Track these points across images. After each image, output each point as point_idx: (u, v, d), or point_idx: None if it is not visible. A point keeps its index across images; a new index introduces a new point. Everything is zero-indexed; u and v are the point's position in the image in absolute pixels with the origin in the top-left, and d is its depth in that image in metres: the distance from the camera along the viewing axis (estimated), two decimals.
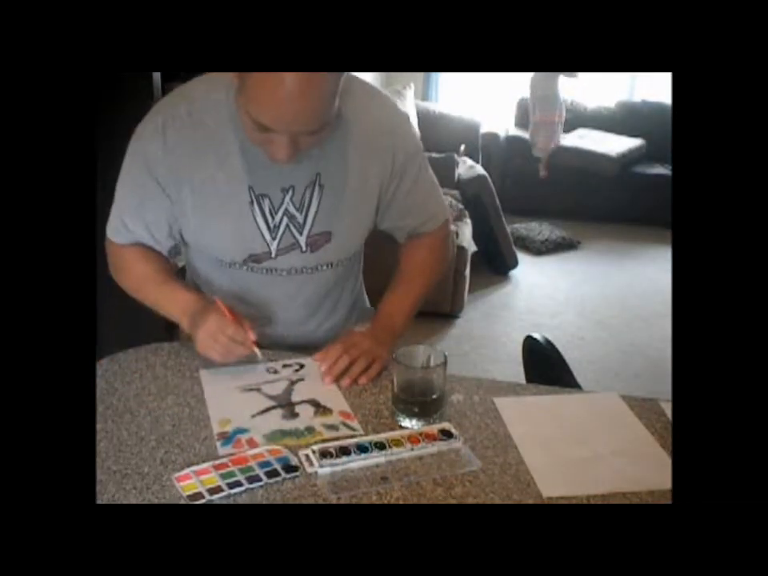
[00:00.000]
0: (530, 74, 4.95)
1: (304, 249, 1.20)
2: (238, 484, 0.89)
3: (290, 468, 0.92)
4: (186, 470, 0.91)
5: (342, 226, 1.20)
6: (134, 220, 1.19)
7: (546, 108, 4.94)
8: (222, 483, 0.89)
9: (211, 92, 1.10)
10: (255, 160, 1.10)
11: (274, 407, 1.07)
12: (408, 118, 1.27)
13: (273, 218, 1.16)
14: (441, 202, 1.34)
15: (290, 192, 1.15)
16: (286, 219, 1.17)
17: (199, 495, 0.87)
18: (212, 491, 0.88)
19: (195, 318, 1.13)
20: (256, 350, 1.11)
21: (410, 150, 1.22)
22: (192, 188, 1.13)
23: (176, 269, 1.31)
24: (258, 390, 1.12)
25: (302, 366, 1.19)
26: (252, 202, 1.14)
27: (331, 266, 1.25)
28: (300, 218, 1.17)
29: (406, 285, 1.31)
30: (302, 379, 1.15)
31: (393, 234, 1.33)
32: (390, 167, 1.19)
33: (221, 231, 1.17)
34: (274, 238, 1.18)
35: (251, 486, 0.89)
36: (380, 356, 1.16)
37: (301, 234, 1.18)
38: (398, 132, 1.21)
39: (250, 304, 1.25)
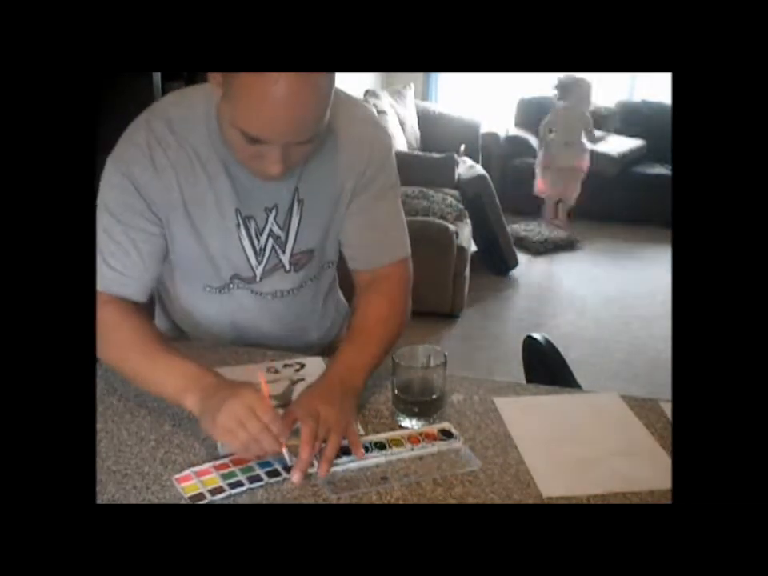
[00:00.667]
0: (557, 105, 4.56)
1: (288, 269, 1.17)
2: (240, 484, 0.89)
3: (290, 468, 0.92)
4: (187, 471, 0.91)
5: (323, 241, 1.18)
6: (120, 256, 1.06)
7: (575, 153, 4.57)
8: (223, 483, 0.89)
9: (188, 109, 1.05)
10: (240, 180, 1.07)
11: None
12: (388, 141, 1.19)
13: (258, 240, 1.13)
14: (405, 238, 1.20)
15: (274, 211, 1.11)
16: (271, 240, 1.14)
17: (201, 496, 0.87)
18: (213, 492, 0.88)
19: (211, 391, 0.93)
20: (285, 452, 0.91)
21: (380, 166, 1.15)
22: (184, 209, 1.08)
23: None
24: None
25: (302, 366, 1.19)
26: (239, 225, 1.11)
27: (314, 278, 1.23)
28: (282, 236, 1.14)
29: (365, 337, 1.11)
30: (302, 379, 1.15)
31: (348, 256, 1.21)
32: (360, 177, 1.13)
33: (210, 255, 1.13)
34: (259, 262, 1.15)
35: (252, 485, 0.89)
36: (341, 423, 0.96)
37: (284, 252, 1.16)
38: (375, 146, 1.14)
39: (236, 325, 1.24)
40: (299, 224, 1.14)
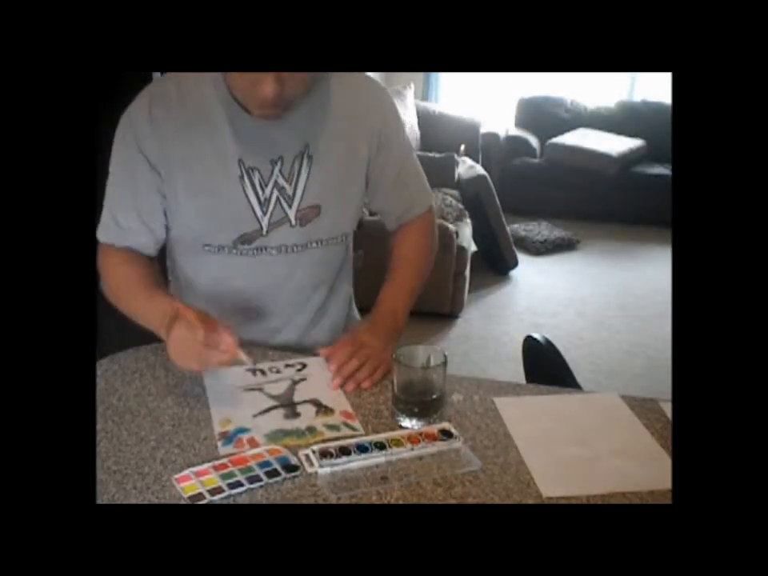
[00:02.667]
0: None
1: (293, 223, 1.18)
2: (239, 484, 0.89)
3: (289, 467, 0.92)
4: (186, 471, 0.91)
5: (331, 199, 1.19)
6: (126, 213, 1.15)
7: None
8: (222, 484, 0.89)
9: None
10: (244, 132, 1.10)
11: (275, 407, 1.07)
12: (393, 104, 1.28)
13: (263, 191, 1.15)
14: (427, 187, 1.35)
15: (279, 163, 1.14)
16: (276, 192, 1.15)
17: (200, 496, 0.87)
18: (213, 492, 0.88)
19: (169, 326, 1.03)
20: (240, 353, 0.99)
21: (394, 127, 1.25)
22: (182, 164, 1.12)
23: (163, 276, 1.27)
24: (260, 389, 1.11)
25: (304, 366, 1.19)
26: (242, 176, 1.13)
27: (321, 243, 1.22)
28: (289, 190, 1.16)
29: (402, 275, 1.31)
30: (304, 379, 1.15)
31: (383, 216, 1.34)
32: (376, 141, 1.20)
33: (210, 209, 1.14)
34: (264, 213, 1.16)
35: (252, 486, 0.89)
36: (385, 360, 1.14)
37: (290, 206, 1.17)
38: (385, 108, 1.24)
39: (239, 294, 1.24)
40: (307, 179, 1.16)
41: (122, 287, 1.16)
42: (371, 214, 1.41)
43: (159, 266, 1.24)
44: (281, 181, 1.15)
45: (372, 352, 1.15)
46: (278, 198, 1.16)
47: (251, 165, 1.13)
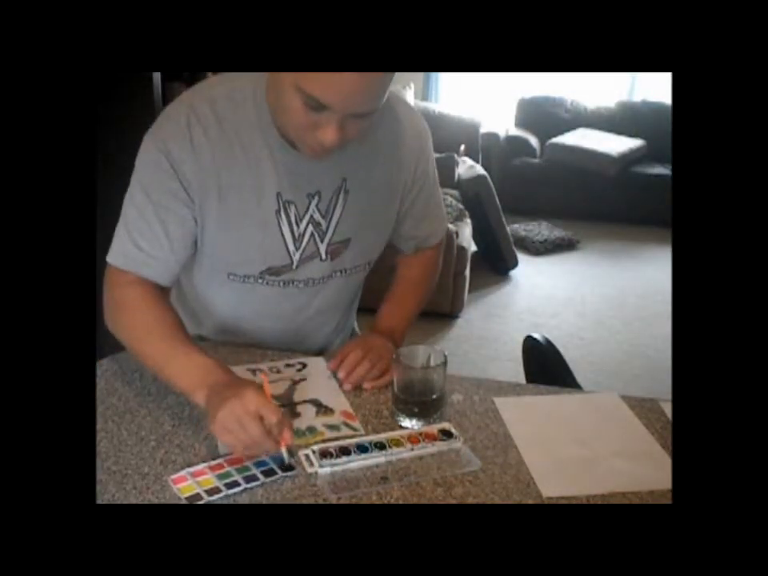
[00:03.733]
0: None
1: (324, 257, 1.14)
2: (236, 484, 0.89)
3: (286, 467, 0.92)
4: (182, 472, 0.91)
5: (362, 232, 1.16)
6: (153, 240, 1.04)
7: None
8: (219, 484, 0.89)
9: (234, 91, 1.03)
10: (283, 164, 1.05)
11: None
12: (430, 137, 1.22)
13: (298, 226, 1.10)
14: (444, 215, 1.35)
15: (317, 198, 1.09)
16: (311, 227, 1.11)
17: (197, 497, 0.87)
18: (210, 492, 0.88)
19: (217, 389, 0.92)
20: (285, 452, 0.91)
21: (429, 159, 1.21)
22: (218, 193, 1.04)
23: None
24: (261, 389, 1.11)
25: (304, 366, 1.19)
26: (279, 210, 1.07)
27: (344, 272, 1.19)
28: (324, 225, 1.12)
29: (405, 297, 1.31)
30: (304, 379, 1.15)
31: (399, 244, 1.31)
32: (412, 174, 1.17)
33: (242, 242, 1.09)
34: (297, 249, 1.11)
35: (249, 485, 0.89)
36: (384, 362, 1.14)
37: (322, 241, 1.13)
38: (425, 136, 1.20)
39: (256, 318, 1.22)
40: (342, 213, 1.12)
41: (145, 331, 1.03)
42: None
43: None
44: (317, 216, 1.10)
45: (382, 353, 1.14)
46: (312, 234, 1.11)
47: (288, 198, 1.07)
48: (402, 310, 1.29)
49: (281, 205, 1.07)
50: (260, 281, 1.14)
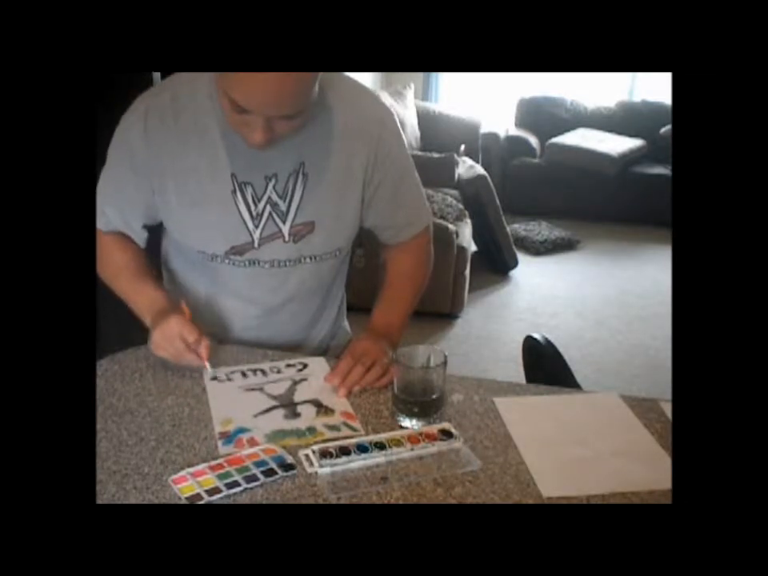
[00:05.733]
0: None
1: (287, 239, 1.18)
2: (236, 484, 0.89)
3: (286, 466, 0.93)
4: (182, 473, 0.91)
5: (325, 216, 1.19)
6: (111, 207, 1.20)
7: None
8: (219, 484, 0.89)
9: (193, 82, 1.10)
10: (238, 147, 1.10)
11: (276, 407, 1.07)
12: (395, 118, 1.25)
13: (255, 206, 1.15)
14: (426, 205, 1.33)
15: (273, 180, 1.14)
16: (269, 207, 1.16)
17: (198, 497, 0.87)
18: (210, 492, 0.88)
19: (157, 317, 1.13)
20: (207, 364, 1.12)
21: (395, 143, 1.21)
22: (174, 177, 1.13)
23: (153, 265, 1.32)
24: (261, 389, 1.12)
25: (305, 366, 1.19)
26: (234, 191, 1.13)
27: (314, 259, 1.22)
28: (283, 206, 1.16)
29: (396, 294, 1.31)
30: (304, 379, 1.15)
31: (377, 233, 1.32)
32: (373, 157, 1.18)
33: (203, 221, 1.16)
34: (256, 227, 1.17)
35: (249, 485, 0.89)
36: (388, 366, 1.13)
37: (284, 222, 1.17)
38: (386, 123, 1.20)
39: (233, 301, 1.25)
40: (302, 196, 1.16)
41: (116, 271, 1.24)
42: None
43: (147, 255, 1.29)
44: (274, 197, 1.15)
45: (377, 356, 1.14)
46: (270, 214, 1.16)
47: (244, 180, 1.14)
48: (397, 305, 1.30)
49: (236, 185, 1.14)
50: (226, 261, 1.20)
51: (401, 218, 1.29)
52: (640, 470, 0.95)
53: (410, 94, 5.06)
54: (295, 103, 0.97)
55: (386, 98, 4.65)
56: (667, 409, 1.09)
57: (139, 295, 1.21)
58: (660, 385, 2.83)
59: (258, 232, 1.17)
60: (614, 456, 0.98)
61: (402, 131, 1.25)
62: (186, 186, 1.13)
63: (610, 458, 0.98)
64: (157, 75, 2.32)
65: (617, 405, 1.12)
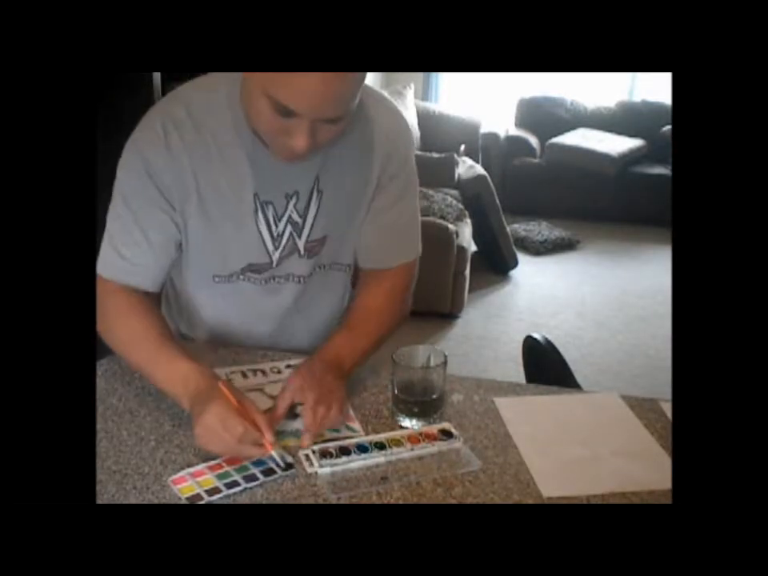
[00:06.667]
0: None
1: (302, 253, 1.16)
2: (236, 484, 0.89)
3: (285, 465, 0.92)
4: (181, 473, 0.91)
5: (336, 230, 1.16)
6: (135, 247, 1.06)
7: None
8: (219, 484, 0.89)
9: (209, 93, 1.04)
10: (260, 165, 1.05)
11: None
12: (412, 136, 1.20)
13: (276, 226, 1.11)
14: (417, 239, 1.22)
15: (295, 198, 1.10)
16: (289, 227, 1.12)
17: (198, 497, 0.87)
18: (210, 492, 0.88)
19: (196, 400, 0.95)
20: (274, 453, 0.92)
21: (403, 162, 1.16)
22: (198, 196, 1.05)
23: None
24: (261, 390, 1.11)
25: None
26: (256, 210, 1.08)
27: (324, 267, 1.20)
28: (300, 223, 1.12)
29: (359, 328, 1.15)
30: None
31: (358, 253, 1.21)
32: (383, 171, 1.13)
33: (222, 242, 1.10)
34: (276, 248, 1.13)
35: (249, 485, 0.90)
36: (339, 398, 1.01)
37: (300, 238, 1.14)
38: (400, 136, 1.15)
39: (245, 318, 1.23)
40: (317, 213, 1.12)
41: (128, 338, 1.07)
42: None
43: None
44: (294, 216, 1.11)
45: (324, 388, 1.00)
46: (291, 233, 1.12)
47: (266, 199, 1.08)
48: (357, 339, 1.13)
49: (258, 205, 1.08)
50: (242, 278, 1.15)
51: (387, 244, 1.20)
52: (640, 470, 0.95)
53: (410, 93, 5.06)
54: (342, 104, 0.92)
55: None
56: (667, 409, 1.09)
57: (166, 371, 1.01)
58: (660, 385, 2.83)
59: (277, 253, 1.13)
60: (614, 456, 0.98)
61: (413, 151, 1.19)
62: (206, 204, 1.06)
63: (610, 458, 0.98)
64: (157, 75, 2.32)
65: (617, 405, 1.12)
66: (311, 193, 1.11)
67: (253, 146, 1.03)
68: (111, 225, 1.08)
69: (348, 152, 1.10)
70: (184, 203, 1.06)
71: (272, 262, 1.14)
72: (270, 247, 1.13)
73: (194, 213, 1.07)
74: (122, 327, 1.07)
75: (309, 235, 1.14)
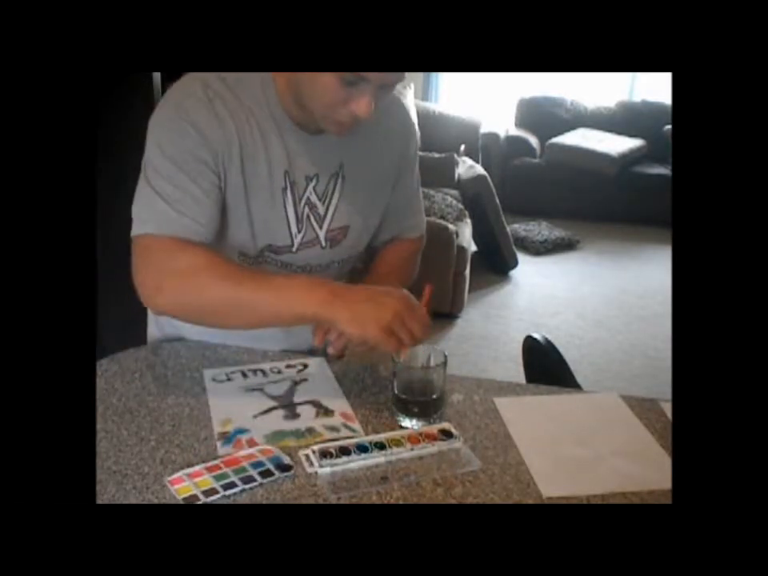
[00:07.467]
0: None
1: (324, 245, 1.17)
2: (233, 485, 0.89)
3: (283, 467, 0.92)
4: (179, 473, 0.91)
5: (359, 220, 1.18)
6: (188, 202, 1.01)
7: None
8: (216, 485, 0.89)
9: (238, 72, 1.05)
10: (290, 143, 1.08)
11: (275, 408, 1.07)
12: (416, 131, 1.30)
13: (299, 206, 1.12)
14: (423, 212, 1.35)
15: (315, 180, 1.12)
16: (307, 209, 1.13)
17: (194, 497, 0.87)
18: (207, 493, 0.88)
19: (340, 292, 0.95)
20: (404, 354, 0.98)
21: (413, 150, 1.26)
22: (241, 163, 1.05)
23: None
24: (261, 389, 1.11)
25: (305, 367, 1.19)
26: (285, 189, 1.10)
27: (341, 263, 1.22)
28: (321, 209, 1.14)
29: (382, 278, 1.22)
30: (305, 380, 1.15)
31: (377, 234, 1.28)
32: (402, 158, 1.22)
33: (252, 215, 1.09)
34: (299, 230, 1.14)
35: (246, 486, 0.89)
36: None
37: (321, 227, 1.15)
38: (412, 131, 1.25)
39: None
40: (339, 199, 1.15)
41: (235, 279, 0.99)
42: None
43: None
44: (313, 198, 1.13)
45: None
46: (308, 217, 1.13)
47: (293, 179, 1.10)
48: (385, 280, 1.18)
49: (288, 183, 1.10)
50: (260, 259, 1.15)
51: (400, 222, 1.30)
52: (640, 470, 0.95)
53: (410, 93, 5.07)
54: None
55: None
56: (667, 409, 1.09)
57: (287, 286, 0.98)
58: (660, 385, 2.83)
59: (299, 236, 1.14)
60: (614, 456, 0.98)
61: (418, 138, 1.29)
62: (245, 174, 1.06)
63: (610, 458, 0.98)
64: (157, 75, 2.32)
65: (617, 405, 1.12)
66: (335, 178, 1.13)
67: (284, 123, 1.06)
68: (158, 186, 1.01)
69: (370, 141, 1.15)
70: (228, 169, 1.05)
71: (293, 245, 1.14)
72: (294, 229, 1.13)
73: (233, 180, 1.06)
74: (208, 277, 0.99)
75: (330, 223, 1.16)
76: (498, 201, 3.99)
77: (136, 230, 1.03)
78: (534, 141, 5.32)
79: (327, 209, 1.14)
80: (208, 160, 1.03)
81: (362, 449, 0.96)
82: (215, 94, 1.03)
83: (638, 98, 5.52)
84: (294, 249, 1.15)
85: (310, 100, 1.00)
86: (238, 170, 1.06)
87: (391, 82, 0.97)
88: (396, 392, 1.04)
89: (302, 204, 1.12)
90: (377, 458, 0.95)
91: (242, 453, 0.95)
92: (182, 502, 0.86)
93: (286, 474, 0.92)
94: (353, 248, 1.22)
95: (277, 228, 1.12)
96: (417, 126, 1.31)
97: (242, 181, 1.07)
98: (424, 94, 5.64)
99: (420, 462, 0.96)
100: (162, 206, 1.01)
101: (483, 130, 5.18)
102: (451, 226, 3.41)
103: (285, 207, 1.11)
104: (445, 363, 1.04)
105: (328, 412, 1.06)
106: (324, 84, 0.94)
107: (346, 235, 1.18)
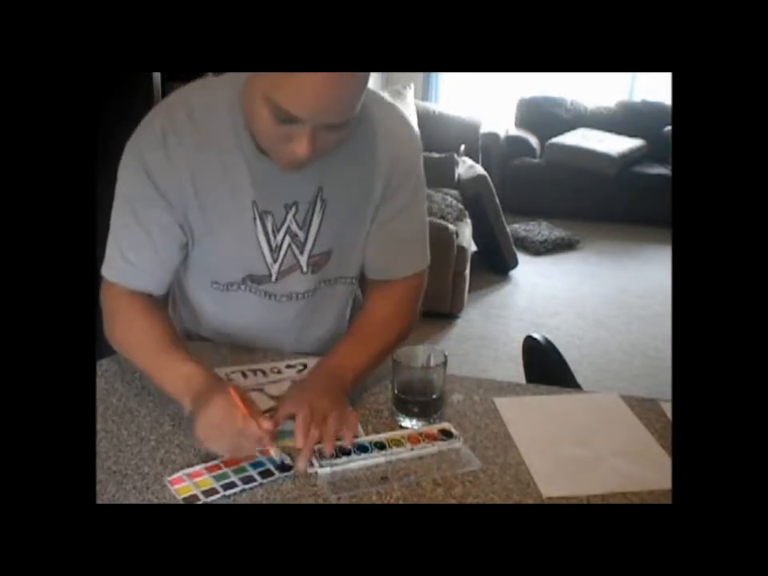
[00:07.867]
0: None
1: (305, 269, 1.13)
2: (233, 485, 0.89)
3: (283, 467, 0.92)
4: (179, 473, 0.91)
5: (342, 243, 1.13)
6: (140, 251, 1.05)
7: None
8: (216, 485, 0.89)
9: (211, 97, 1.02)
10: (260, 173, 1.03)
11: (275, 408, 1.07)
12: (419, 143, 1.15)
13: (275, 237, 1.08)
14: (426, 248, 1.19)
15: (294, 208, 1.07)
16: (288, 239, 1.09)
17: (194, 498, 0.87)
18: (207, 493, 0.88)
19: (199, 397, 0.94)
20: (273, 450, 0.91)
21: (409, 170, 1.13)
22: (198, 201, 1.04)
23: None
24: (261, 390, 1.11)
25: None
26: (255, 219, 1.06)
27: (329, 282, 1.18)
28: (302, 236, 1.10)
29: (364, 339, 1.11)
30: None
31: (365, 265, 1.19)
32: (385, 181, 1.10)
33: (222, 249, 1.09)
34: (275, 261, 1.10)
35: (246, 486, 0.89)
36: (344, 415, 0.96)
37: (302, 253, 1.11)
38: (407, 144, 1.12)
39: (246, 329, 1.22)
40: (320, 225, 1.10)
41: (138, 343, 1.05)
42: None
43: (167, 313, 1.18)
44: (294, 227, 1.09)
45: (327, 412, 0.95)
46: (289, 245, 1.10)
47: (265, 208, 1.06)
48: (364, 348, 1.09)
49: (257, 214, 1.06)
50: (242, 287, 1.13)
51: (393, 255, 1.17)
52: (640, 470, 0.95)
53: (409, 93, 5.06)
54: (345, 109, 0.90)
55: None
56: (667, 409, 1.09)
57: (170, 371, 1.00)
58: (660, 385, 2.83)
59: (276, 266, 1.11)
60: (614, 456, 0.98)
61: (420, 158, 1.15)
62: (206, 210, 1.05)
63: (610, 458, 0.98)
64: (157, 75, 2.32)
65: (617, 405, 1.12)
66: (314, 204, 1.08)
67: (252, 152, 1.02)
68: (115, 227, 1.06)
69: (352, 161, 1.07)
70: (186, 207, 1.05)
71: (271, 275, 1.12)
72: (269, 260, 1.11)
73: (196, 217, 1.06)
74: (127, 331, 1.07)
75: (312, 249, 1.11)
76: (497, 201, 3.99)
77: (102, 268, 1.09)
78: (533, 141, 5.32)
79: (308, 235, 1.10)
80: (157, 199, 1.03)
81: (362, 449, 0.96)
82: (173, 129, 1.01)
83: (638, 98, 5.52)
84: (273, 278, 1.13)
85: (257, 135, 0.97)
86: (196, 206, 1.04)
87: (329, 122, 0.90)
88: (396, 392, 1.04)
89: (282, 233, 1.09)
90: (377, 458, 0.95)
91: None
92: (181, 502, 0.86)
93: (285, 474, 0.92)
94: (338, 269, 1.17)
95: (251, 260, 1.10)
96: (420, 150, 1.14)
97: (202, 217, 1.05)
98: (424, 93, 5.63)
99: (420, 462, 0.96)
100: (115, 252, 1.07)
101: (483, 130, 5.18)
102: (451, 226, 3.41)
103: (257, 238, 1.08)
104: (445, 363, 1.04)
105: None
106: (262, 119, 0.91)
107: (329, 260, 1.14)
